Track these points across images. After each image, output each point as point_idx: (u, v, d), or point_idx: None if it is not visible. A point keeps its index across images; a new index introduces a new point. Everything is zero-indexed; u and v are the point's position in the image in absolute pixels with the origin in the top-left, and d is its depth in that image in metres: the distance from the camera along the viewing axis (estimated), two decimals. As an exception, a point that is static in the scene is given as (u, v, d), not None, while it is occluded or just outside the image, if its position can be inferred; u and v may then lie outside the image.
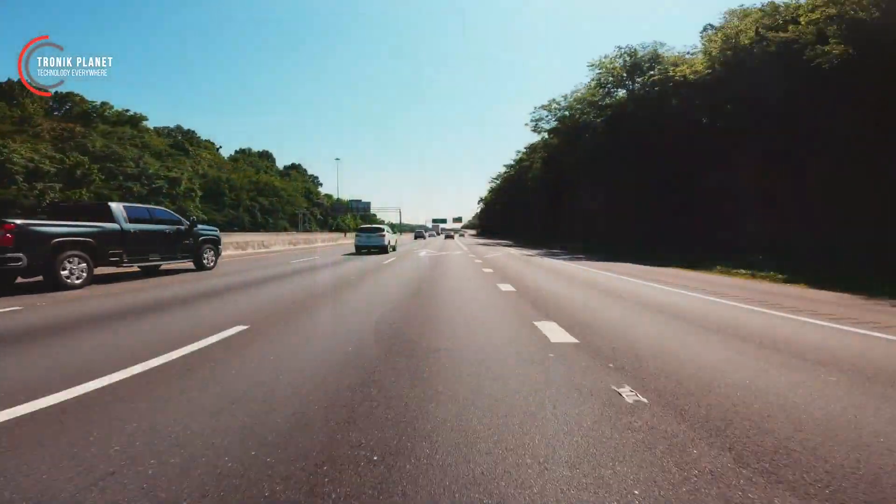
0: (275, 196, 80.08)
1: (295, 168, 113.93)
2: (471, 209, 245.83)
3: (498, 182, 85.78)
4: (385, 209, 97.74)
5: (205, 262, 11.76)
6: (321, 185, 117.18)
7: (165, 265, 11.27)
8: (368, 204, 78.75)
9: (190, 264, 11.60)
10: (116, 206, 9.24)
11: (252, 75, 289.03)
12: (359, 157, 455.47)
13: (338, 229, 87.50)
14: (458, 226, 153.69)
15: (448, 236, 73.18)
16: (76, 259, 7.75)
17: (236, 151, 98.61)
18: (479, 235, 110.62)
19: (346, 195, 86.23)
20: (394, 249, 22.52)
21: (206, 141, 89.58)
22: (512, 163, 72.74)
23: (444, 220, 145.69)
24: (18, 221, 7.06)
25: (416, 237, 60.05)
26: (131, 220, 9.34)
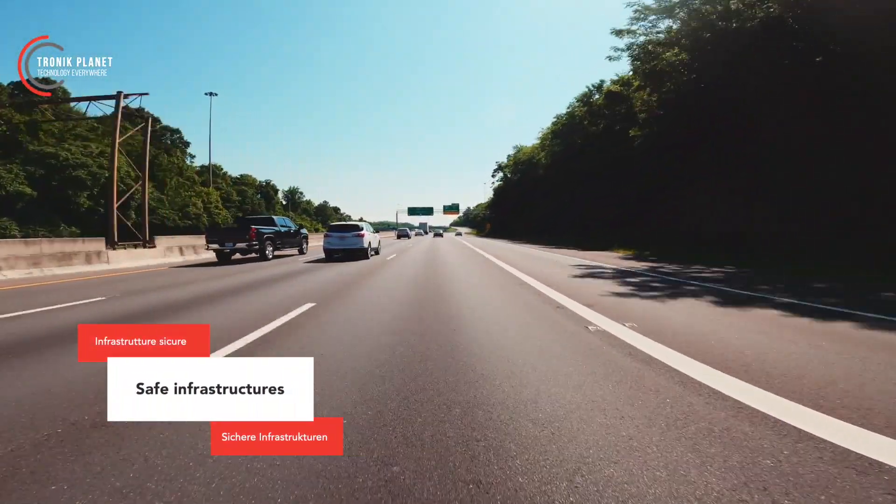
0: None
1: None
2: (472, 201, 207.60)
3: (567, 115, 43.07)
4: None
5: (303, 249, 20.36)
6: (194, 156, 67.76)
7: (286, 252, 19.79)
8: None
9: (295, 251, 20.10)
10: (277, 218, 17.84)
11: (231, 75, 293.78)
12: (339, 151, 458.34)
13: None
14: (450, 218, 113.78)
15: (437, 234, 69.59)
16: (270, 245, 16.22)
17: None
18: (488, 234, 75.36)
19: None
20: (376, 253, 18.76)
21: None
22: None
23: (429, 211, 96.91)
24: (255, 227, 15.51)
25: (399, 236, 57.19)
26: (280, 226, 17.84)
